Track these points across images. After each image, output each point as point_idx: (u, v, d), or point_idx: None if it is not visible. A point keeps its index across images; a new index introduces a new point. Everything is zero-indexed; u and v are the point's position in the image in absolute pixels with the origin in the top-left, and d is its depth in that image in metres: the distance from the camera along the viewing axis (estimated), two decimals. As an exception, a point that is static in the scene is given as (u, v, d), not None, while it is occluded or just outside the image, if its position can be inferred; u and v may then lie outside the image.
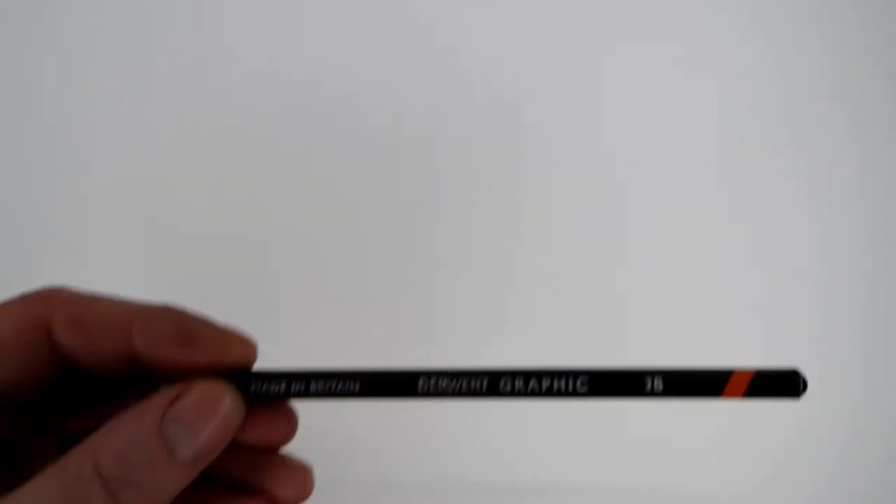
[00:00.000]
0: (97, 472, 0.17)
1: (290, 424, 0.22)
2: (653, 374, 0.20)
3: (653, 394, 0.20)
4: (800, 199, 0.35)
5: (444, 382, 0.20)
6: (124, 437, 0.18)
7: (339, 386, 0.21)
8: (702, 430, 0.33)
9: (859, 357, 0.33)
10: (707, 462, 0.32)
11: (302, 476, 0.22)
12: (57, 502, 0.17)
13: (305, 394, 0.21)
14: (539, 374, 0.20)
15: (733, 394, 0.20)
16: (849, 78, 0.35)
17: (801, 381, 0.19)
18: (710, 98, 0.36)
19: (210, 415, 0.19)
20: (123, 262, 0.36)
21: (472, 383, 0.20)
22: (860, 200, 0.35)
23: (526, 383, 0.20)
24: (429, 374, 0.21)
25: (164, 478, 0.18)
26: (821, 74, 0.35)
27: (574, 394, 0.20)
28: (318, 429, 0.24)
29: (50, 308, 0.20)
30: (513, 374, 0.20)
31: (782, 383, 0.19)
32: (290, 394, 0.21)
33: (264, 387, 0.21)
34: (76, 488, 0.17)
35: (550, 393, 0.20)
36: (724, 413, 0.32)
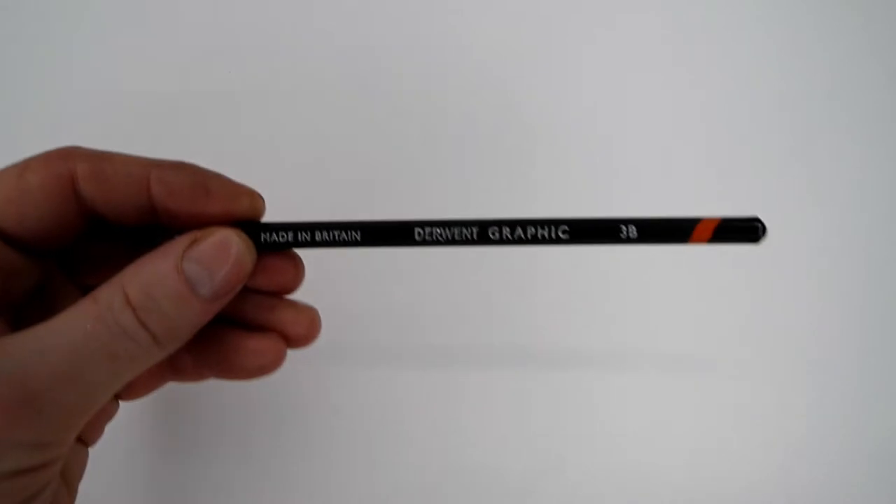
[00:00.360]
0: (127, 301, 0.19)
1: (297, 271, 0.24)
2: (627, 222, 0.22)
3: (628, 240, 0.22)
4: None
5: (438, 231, 0.22)
6: (149, 273, 0.20)
7: (342, 235, 0.23)
8: (701, 432, 0.34)
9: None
10: (707, 464, 0.34)
11: (310, 317, 0.24)
12: (91, 325, 0.19)
13: (311, 243, 0.23)
14: (524, 223, 0.22)
15: (700, 239, 0.22)
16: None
17: (761, 227, 0.21)
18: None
19: (224, 257, 0.21)
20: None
21: (464, 231, 0.22)
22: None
23: (512, 231, 0.22)
24: (424, 224, 0.22)
25: (187, 310, 0.20)
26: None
27: (556, 241, 0.22)
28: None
29: (72, 162, 0.21)
30: (500, 223, 0.22)
31: (744, 230, 0.21)
32: (297, 243, 0.23)
33: (273, 236, 0.23)
34: (109, 314, 0.19)
35: (535, 240, 0.22)
36: (728, 420, 0.34)
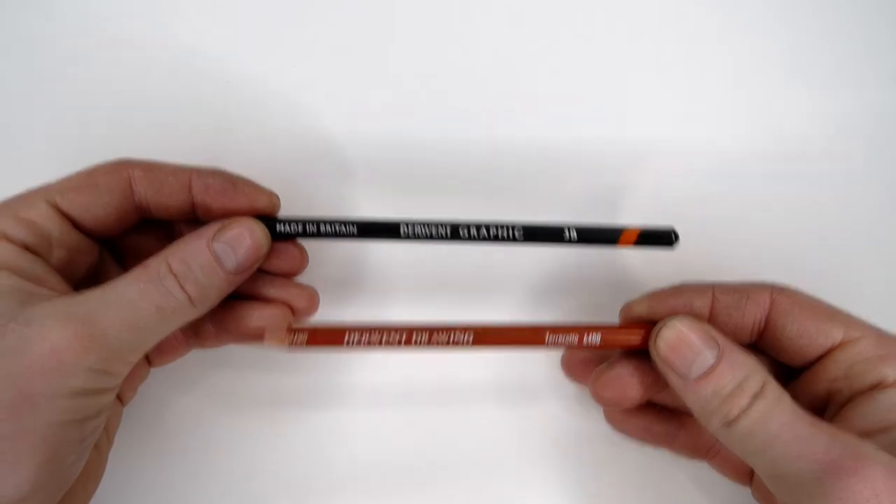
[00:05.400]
0: (169, 269, 0.25)
1: (303, 258, 0.29)
2: (570, 227, 0.27)
3: (570, 241, 0.27)
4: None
5: (419, 229, 0.28)
6: (187, 248, 0.25)
7: (341, 228, 0.28)
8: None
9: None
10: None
11: (311, 294, 0.29)
12: (143, 285, 0.24)
13: (316, 234, 0.28)
14: (487, 225, 0.27)
15: (626, 243, 0.27)
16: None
17: (674, 235, 0.27)
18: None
19: (245, 240, 0.26)
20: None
21: (440, 230, 0.28)
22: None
23: (478, 231, 0.27)
24: (408, 223, 0.28)
25: (215, 279, 0.26)
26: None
27: (513, 240, 0.27)
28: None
29: (129, 167, 0.27)
30: (468, 225, 0.27)
31: (661, 237, 0.27)
32: (304, 233, 0.28)
33: (285, 228, 0.28)
34: (156, 279, 0.25)
35: (496, 238, 0.27)
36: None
